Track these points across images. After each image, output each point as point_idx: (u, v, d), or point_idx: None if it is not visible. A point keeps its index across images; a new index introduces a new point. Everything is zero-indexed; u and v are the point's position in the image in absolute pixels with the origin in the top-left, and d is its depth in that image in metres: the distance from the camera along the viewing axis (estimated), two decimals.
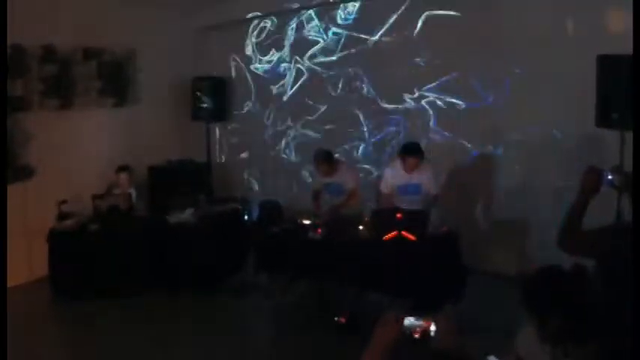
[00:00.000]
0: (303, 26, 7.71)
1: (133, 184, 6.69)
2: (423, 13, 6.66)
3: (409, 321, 1.85)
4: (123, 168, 6.67)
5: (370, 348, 1.85)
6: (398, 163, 5.67)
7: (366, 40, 7.17)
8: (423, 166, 5.59)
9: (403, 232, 5.05)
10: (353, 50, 7.32)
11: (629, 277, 2.41)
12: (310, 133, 7.84)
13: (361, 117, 7.36)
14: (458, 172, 6.55)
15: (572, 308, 2.36)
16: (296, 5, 7.54)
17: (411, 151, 5.55)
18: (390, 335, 1.84)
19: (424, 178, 5.59)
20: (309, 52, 7.70)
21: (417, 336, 1.85)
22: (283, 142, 8.12)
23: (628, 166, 2.77)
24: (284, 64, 7.95)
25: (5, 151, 5.74)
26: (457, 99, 6.55)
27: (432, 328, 1.85)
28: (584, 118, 5.05)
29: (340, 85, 7.48)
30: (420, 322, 1.85)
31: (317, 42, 7.63)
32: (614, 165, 2.99)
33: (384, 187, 5.83)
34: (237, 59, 8.38)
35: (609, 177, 2.76)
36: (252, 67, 8.26)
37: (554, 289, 2.40)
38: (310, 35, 7.68)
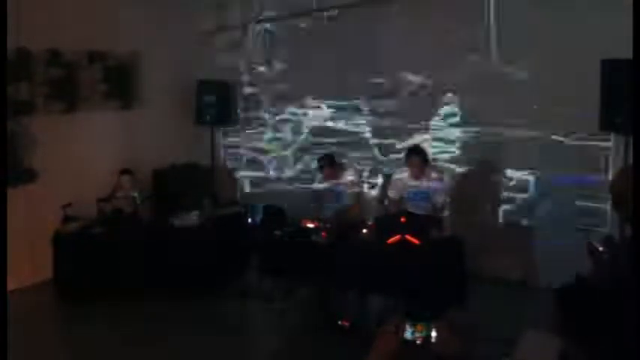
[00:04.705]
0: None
1: (136, 186, 6.70)
2: None
3: (410, 329, 1.86)
4: (125, 171, 6.69)
5: (370, 356, 1.85)
6: (407, 170, 5.70)
7: None
8: (432, 174, 5.63)
9: (407, 236, 5.04)
10: None
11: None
12: None
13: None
14: (461, 176, 6.54)
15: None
16: (298, 10, 7.54)
17: (412, 152, 5.62)
18: (390, 344, 1.84)
19: (433, 187, 5.61)
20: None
21: (418, 342, 1.85)
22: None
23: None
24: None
25: (6, 153, 5.75)
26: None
27: (433, 334, 1.85)
28: (588, 121, 5.04)
29: None
30: (421, 330, 1.85)
31: None
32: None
33: (392, 193, 5.84)
34: (242, 62, 8.37)
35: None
36: (256, 70, 8.26)
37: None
38: None
